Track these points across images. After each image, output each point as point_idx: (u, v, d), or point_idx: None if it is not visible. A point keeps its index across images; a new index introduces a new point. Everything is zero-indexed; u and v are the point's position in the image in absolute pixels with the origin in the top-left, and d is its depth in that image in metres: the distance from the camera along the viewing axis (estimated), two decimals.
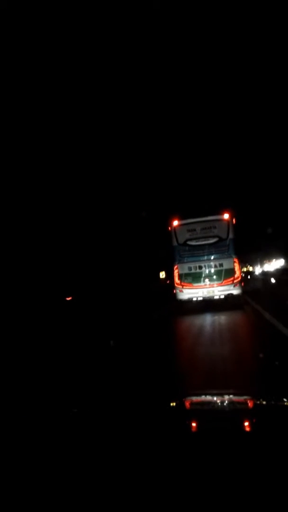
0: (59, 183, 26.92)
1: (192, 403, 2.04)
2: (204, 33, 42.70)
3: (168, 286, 20.78)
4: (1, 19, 22.62)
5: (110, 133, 38.25)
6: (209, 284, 12.13)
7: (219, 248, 12.20)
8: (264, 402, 1.96)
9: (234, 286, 12.01)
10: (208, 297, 12.22)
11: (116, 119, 38.89)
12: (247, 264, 50.57)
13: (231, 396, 2.26)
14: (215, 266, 12.20)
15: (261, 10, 34.70)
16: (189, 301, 12.55)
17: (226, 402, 2.06)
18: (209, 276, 12.20)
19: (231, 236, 12.20)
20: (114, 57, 42.92)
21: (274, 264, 50.97)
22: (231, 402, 2.05)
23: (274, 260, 54.07)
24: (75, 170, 29.57)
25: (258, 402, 1.95)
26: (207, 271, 12.24)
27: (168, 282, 27.93)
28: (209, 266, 12.24)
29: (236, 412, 1.85)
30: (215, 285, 12.09)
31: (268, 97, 49.78)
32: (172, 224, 12.75)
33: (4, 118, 23.93)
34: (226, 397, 2.23)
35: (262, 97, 50.99)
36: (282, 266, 46.24)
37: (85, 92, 37.28)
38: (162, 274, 33.06)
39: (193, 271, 12.31)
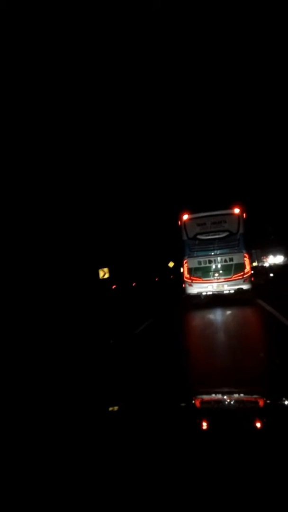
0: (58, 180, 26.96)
1: (202, 402, 2.05)
2: (204, 32, 42.85)
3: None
4: (1, 19, 22.66)
5: (118, 128, 38.26)
6: (219, 279, 11.94)
7: (229, 242, 12.03)
8: (274, 401, 1.96)
9: (244, 281, 11.82)
10: (218, 291, 12.08)
11: (122, 115, 38.92)
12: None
13: (241, 395, 2.27)
14: (225, 260, 12.01)
15: (261, 8, 34.89)
16: (198, 295, 12.42)
17: (237, 401, 2.07)
18: (219, 270, 12.01)
19: (241, 230, 12.05)
20: (115, 56, 42.98)
21: (273, 260, 51.02)
22: (241, 401, 2.06)
23: (271, 256, 54.07)
24: (78, 168, 29.64)
25: (268, 401, 1.95)
26: (217, 266, 12.07)
27: (114, 286, 25.84)
28: (219, 261, 12.06)
29: (247, 411, 1.86)
30: (225, 280, 11.91)
31: (273, 97, 49.90)
32: (182, 218, 12.54)
33: (4, 118, 23.95)
34: (236, 396, 2.24)
35: (268, 96, 51.06)
36: (281, 262, 46.39)
37: (88, 91, 37.35)
38: (103, 273, 23.38)
39: (203, 265, 12.13)
